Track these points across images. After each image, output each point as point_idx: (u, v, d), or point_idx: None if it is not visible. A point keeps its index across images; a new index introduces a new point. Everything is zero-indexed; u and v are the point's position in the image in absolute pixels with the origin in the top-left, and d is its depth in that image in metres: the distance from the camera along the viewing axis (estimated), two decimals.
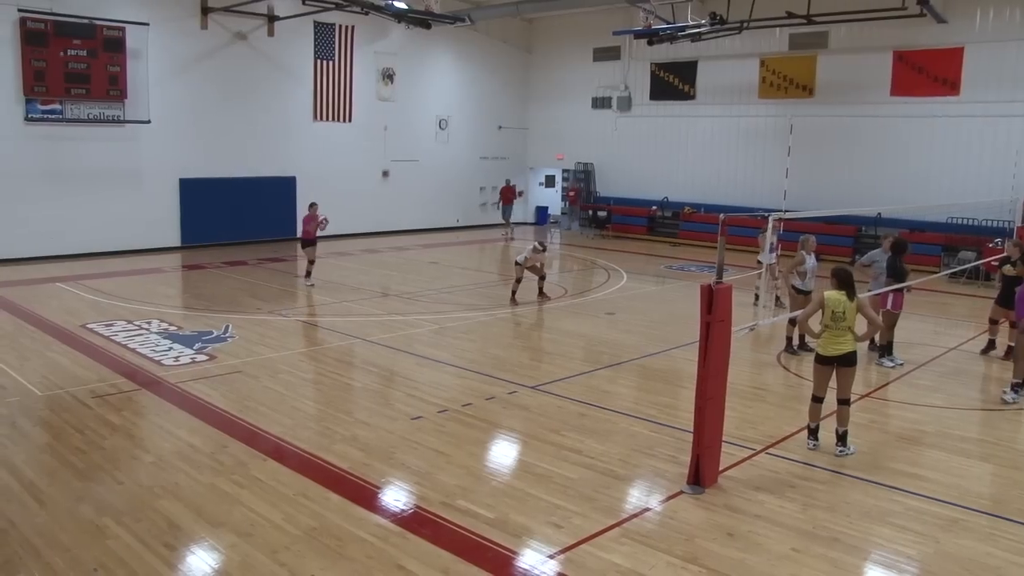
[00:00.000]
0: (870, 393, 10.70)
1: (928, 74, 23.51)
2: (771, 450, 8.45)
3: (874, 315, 8.47)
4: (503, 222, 29.01)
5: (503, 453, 8.43)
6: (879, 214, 23.19)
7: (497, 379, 10.78)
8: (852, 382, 8.46)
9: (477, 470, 7.77)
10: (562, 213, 32.63)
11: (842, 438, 8.45)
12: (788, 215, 8.81)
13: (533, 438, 8.66)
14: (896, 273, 11.85)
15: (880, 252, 12.47)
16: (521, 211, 32.99)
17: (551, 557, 6.11)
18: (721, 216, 7.33)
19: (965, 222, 22.57)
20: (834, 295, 8.33)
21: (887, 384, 11.26)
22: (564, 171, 32.79)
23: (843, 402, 8.43)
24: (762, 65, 26.61)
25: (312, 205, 17.85)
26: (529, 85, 32.81)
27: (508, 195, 29.18)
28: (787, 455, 8.33)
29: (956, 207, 21.07)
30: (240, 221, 24.40)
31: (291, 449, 8.19)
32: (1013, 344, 12.45)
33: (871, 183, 23.89)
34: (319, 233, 17.73)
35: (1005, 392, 10.48)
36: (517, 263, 16.38)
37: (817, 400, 8.50)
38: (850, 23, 22.66)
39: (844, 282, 8.35)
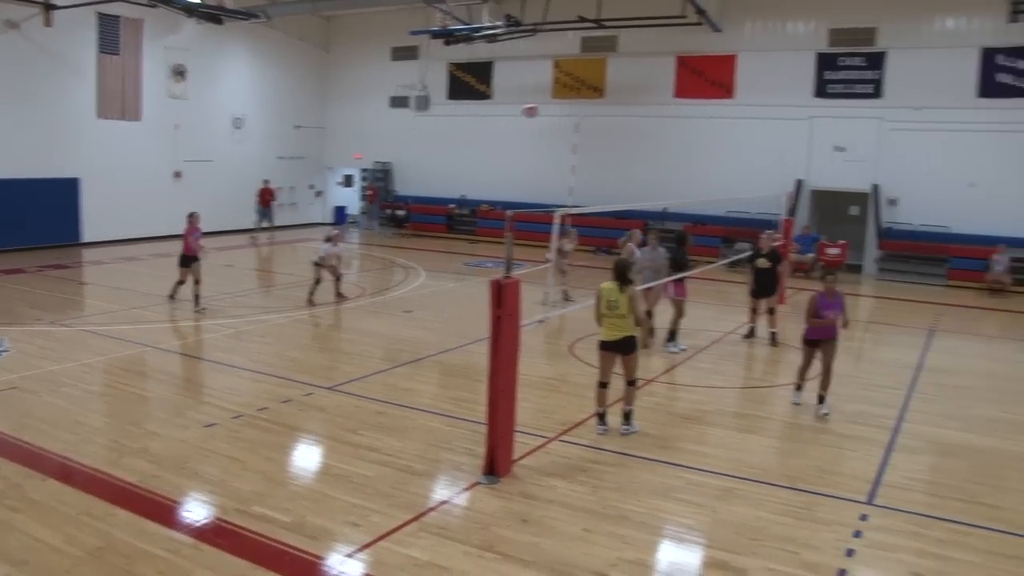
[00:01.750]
0: (656, 378, 11.37)
1: (706, 78, 25.24)
2: (563, 437, 8.80)
3: (640, 308, 8.85)
4: (263, 225, 27.66)
5: (300, 456, 8.30)
6: (665, 208, 24.59)
7: (294, 381, 10.59)
8: (635, 365, 8.94)
9: (273, 475, 7.61)
10: (361, 212, 32.35)
11: (627, 416, 8.98)
12: (573, 211, 9.18)
13: (330, 439, 8.58)
14: (678, 263, 12.64)
15: (648, 250, 13.04)
16: (319, 211, 32.41)
17: (349, 556, 6.11)
18: (508, 213, 7.56)
19: (742, 215, 24.35)
20: (608, 286, 8.79)
21: (673, 368, 12.00)
22: (363, 170, 32.52)
23: (630, 383, 8.94)
24: (555, 66, 27.55)
25: (192, 215, 15.63)
26: (327, 84, 32.24)
27: (266, 196, 28.02)
28: (579, 441, 8.71)
29: (733, 202, 22.68)
30: (16, 226, 22.40)
31: (74, 466, 7.68)
32: (775, 331, 13.66)
33: (658, 180, 25.27)
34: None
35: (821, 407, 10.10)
36: (314, 263, 16.11)
37: (602, 385, 8.95)
38: (637, 28, 23.88)
39: (617, 274, 8.78)
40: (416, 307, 16.10)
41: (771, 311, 13.79)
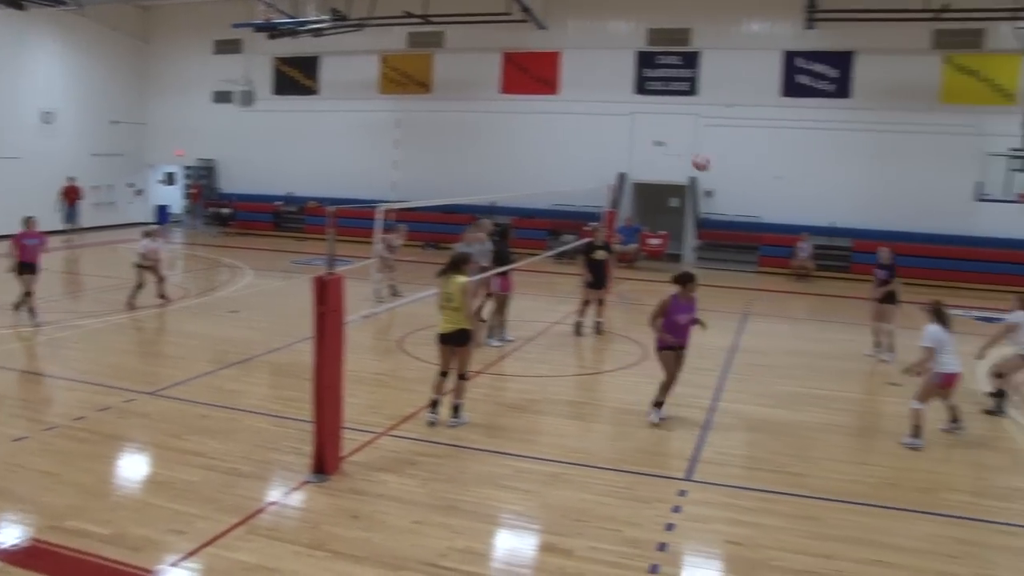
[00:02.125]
0: (485, 369, 11.57)
1: (531, 74, 25.82)
2: (393, 432, 8.84)
3: (468, 301, 8.96)
4: (68, 227, 25.79)
5: (120, 465, 7.95)
6: (493, 203, 24.94)
7: (113, 388, 10.08)
8: (468, 359, 9.12)
9: (91, 487, 7.24)
10: (185, 211, 31.06)
11: (456, 409, 9.17)
12: (396, 206, 9.22)
13: (152, 446, 8.26)
14: (500, 257, 12.85)
15: (463, 245, 13.03)
16: (140, 210, 30.84)
17: (174, 565, 5.92)
18: (329, 209, 7.53)
19: (567, 208, 25.06)
20: (444, 279, 8.94)
21: (502, 359, 12.25)
22: (186, 168, 31.21)
23: (460, 376, 9.11)
24: (383, 61, 27.39)
25: (29, 219, 14.01)
26: (147, 78, 30.61)
27: (71, 195, 26.19)
28: (408, 435, 8.77)
29: (559, 195, 23.29)
30: None
31: None
32: (601, 320, 14.18)
33: (486, 174, 25.58)
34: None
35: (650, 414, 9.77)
36: (136, 266, 15.37)
37: (441, 374, 9.12)
38: (463, 24, 24.13)
39: (452, 266, 8.94)
40: (243, 307, 15.68)
41: (601, 302, 14.27)
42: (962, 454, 8.93)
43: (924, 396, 9.10)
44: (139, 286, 15.21)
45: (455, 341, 8.91)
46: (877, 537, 6.74)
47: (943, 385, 9.07)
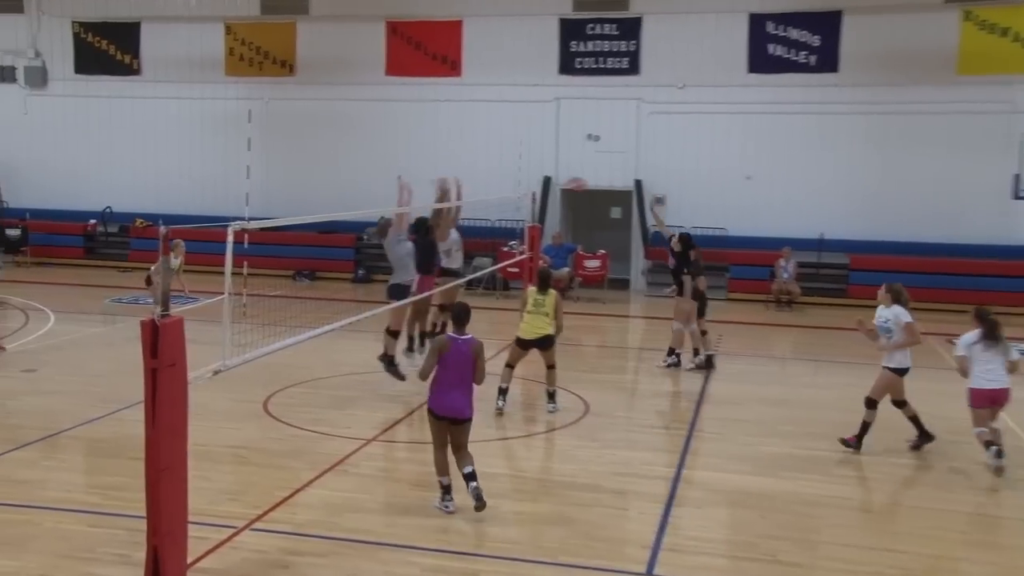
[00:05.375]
0: (379, 435, 11.36)
1: (426, 50, 25.97)
2: (257, 524, 8.57)
3: (560, 314, 12.73)
4: None
5: None
6: (383, 218, 24.69)
7: None
8: (553, 354, 12.71)
9: None
10: None
11: (551, 396, 12.67)
12: (255, 224, 9.00)
13: None
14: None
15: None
16: None
17: None
18: (162, 229, 7.26)
19: (479, 224, 25.03)
20: (536, 291, 12.76)
21: (407, 416, 12.06)
22: None
23: (549, 367, 12.74)
24: (228, 32, 27.24)
25: None
26: None
27: None
28: (278, 527, 8.50)
29: (467, 206, 23.21)
30: None
31: None
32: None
33: (369, 180, 25.32)
34: None
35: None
36: None
37: (509, 366, 12.73)
38: None
39: (545, 281, 12.82)
40: (42, 364, 15.14)
41: None
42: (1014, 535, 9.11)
43: (976, 420, 10.38)
44: None
45: (539, 345, 12.61)
46: None
47: (979, 403, 10.35)
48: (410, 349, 14.60)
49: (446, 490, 8.96)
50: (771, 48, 23.90)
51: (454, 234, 15.85)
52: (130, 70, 28.09)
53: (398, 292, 13.37)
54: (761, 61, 23.97)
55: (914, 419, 11.18)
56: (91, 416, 12.07)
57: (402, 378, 13.45)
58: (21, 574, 7.57)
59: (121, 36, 28.00)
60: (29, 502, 9.12)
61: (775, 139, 24.01)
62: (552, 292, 12.78)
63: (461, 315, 9.17)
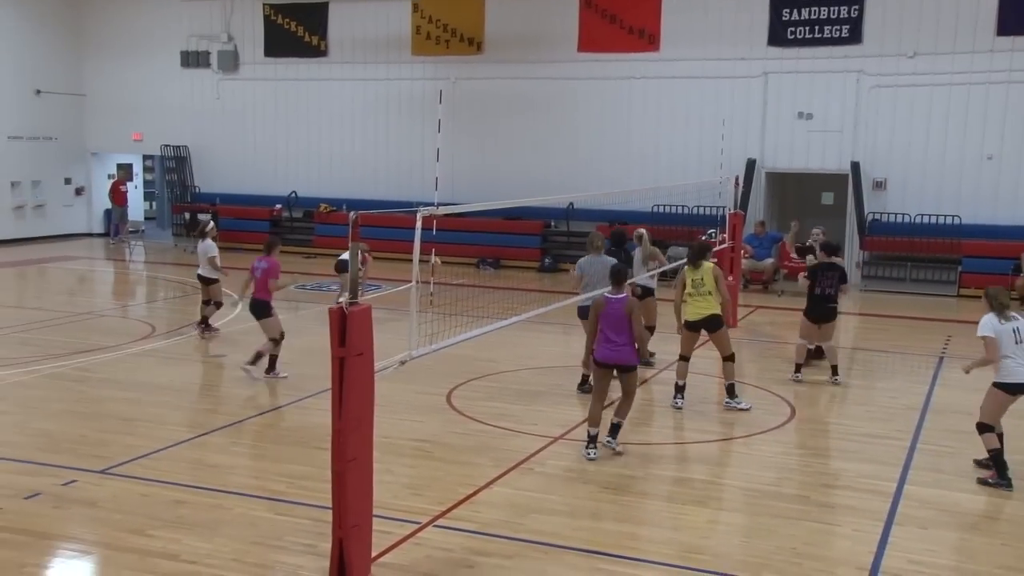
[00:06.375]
0: (568, 432, 11.47)
1: (622, 24, 25.76)
2: (441, 521, 8.79)
3: (722, 286, 12.75)
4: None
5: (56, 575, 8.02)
6: (571, 204, 24.90)
7: (46, 466, 10.19)
8: (726, 341, 12.78)
9: None
10: (147, 218, 31.70)
11: (730, 391, 12.71)
12: (443, 210, 9.19)
13: (104, 546, 8.29)
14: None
15: (589, 259, 13.61)
16: (82, 216, 31.53)
17: None
18: (351, 215, 7.50)
19: (675, 210, 24.88)
20: (690, 268, 12.80)
21: None
22: (146, 158, 31.87)
23: (726, 359, 12.76)
24: (415, 9, 27.69)
25: None
26: (83, 32, 31.50)
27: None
28: (463, 526, 8.70)
29: (663, 192, 23.16)
30: None
31: None
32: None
33: (558, 166, 25.67)
34: None
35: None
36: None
37: (683, 359, 12.87)
38: None
39: (698, 253, 12.87)
40: (230, 349, 15.82)
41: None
42: None
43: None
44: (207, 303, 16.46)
45: (708, 326, 12.58)
46: None
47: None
48: None
49: (592, 440, 10.62)
50: None
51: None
52: (318, 51, 28.93)
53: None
54: (1015, 19, 22.46)
55: None
56: (277, 403, 12.70)
57: None
58: (214, 556, 8.00)
59: (310, 17, 28.91)
60: (220, 486, 9.64)
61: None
62: (707, 265, 12.78)
63: (617, 275, 10.88)
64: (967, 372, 10.54)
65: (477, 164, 26.43)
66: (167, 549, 8.16)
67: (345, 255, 13.82)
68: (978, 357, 10.33)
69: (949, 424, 12.34)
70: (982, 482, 10.05)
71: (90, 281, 25.79)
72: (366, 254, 18.46)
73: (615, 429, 10.82)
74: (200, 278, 16.77)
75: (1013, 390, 9.99)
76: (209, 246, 16.65)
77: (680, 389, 12.74)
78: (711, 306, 12.54)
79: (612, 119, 25.93)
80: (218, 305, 16.68)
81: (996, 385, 10.07)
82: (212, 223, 17.74)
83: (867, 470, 10.43)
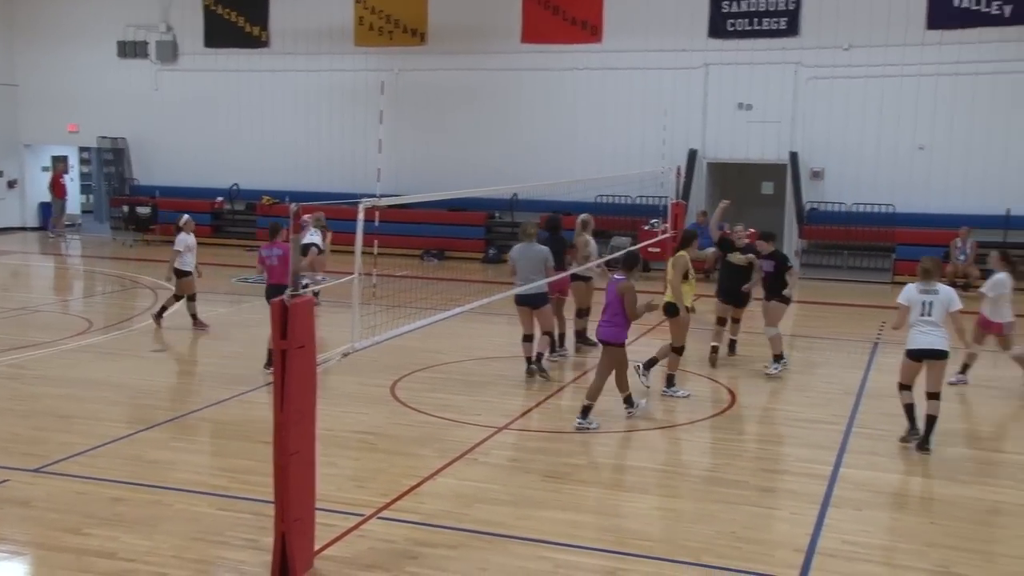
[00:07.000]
0: (511, 422, 11.51)
1: (565, 15, 25.96)
2: (385, 513, 8.79)
3: (676, 276, 12.84)
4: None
5: None
6: (515, 195, 24.95)
7: None
8: (676, 331, 12.92)
9: None
10: (84, 211, 31.33)
11: (668, 379, 13.09)
12: (385, 201, 9.18)
13: (38, 546, 8.16)
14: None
15: (520, 247, 13.81)
16: (15, 210, 31.07)
17: None
18: (292, 206, 7.48)
19: (617, 201, 24.99)
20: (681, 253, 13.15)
21: (541, 404, 12.20)
22: (82, 150, 31.47)
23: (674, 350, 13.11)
24: (358, 1, 27.55)
25: None
26: (15, 21, 31.12)
27: None
28: (407, 517, 8.69)
29: (607, 182, 23.27)
30: None
31: None
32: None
33: (502, 156, 25.71)
34: None
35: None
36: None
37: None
38: None
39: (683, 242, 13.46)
40: (171, 344, 15.73)
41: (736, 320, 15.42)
42: None
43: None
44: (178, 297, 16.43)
45: (665, 312, 12.88)
46: None
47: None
48: (552, 349, 14.54)
49: (586, 411, 11.33)
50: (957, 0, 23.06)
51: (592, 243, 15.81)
52: (259, 42, 28.81)
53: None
54: (944, 14, 23.01)
55: None
56: (218, 397, 12.55)
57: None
58: (154, 554, 7.92)
59: (251, 7, 28.77)
60: (159, 483, 9.53)
61: (956, 104, 23.22)
62: (676, 256, 13.16)
63: (626, 260, 11.75)
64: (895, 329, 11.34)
65: (421, 155, 26.42)
66: (104, 547, 8.07)
67: (306, 238, 14.12)
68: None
69: (883, 408, 12.51)
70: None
71: (24, 276, 25.49)
72: (326, 230, 18.48)
73: (585, 411, 11.34)
74: (175, 271, 16.78)
75: (915, 355, 10.69)
76: (180, 239, 16.63)
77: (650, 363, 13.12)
78: (668, 294, 12.97)
79: (556, 110, 26.04)
80: (190, 298, 16.64)
81: (905, 353, 10.87)
82: (187, 216, 17.63)
83: (805, 454, 10.61)
